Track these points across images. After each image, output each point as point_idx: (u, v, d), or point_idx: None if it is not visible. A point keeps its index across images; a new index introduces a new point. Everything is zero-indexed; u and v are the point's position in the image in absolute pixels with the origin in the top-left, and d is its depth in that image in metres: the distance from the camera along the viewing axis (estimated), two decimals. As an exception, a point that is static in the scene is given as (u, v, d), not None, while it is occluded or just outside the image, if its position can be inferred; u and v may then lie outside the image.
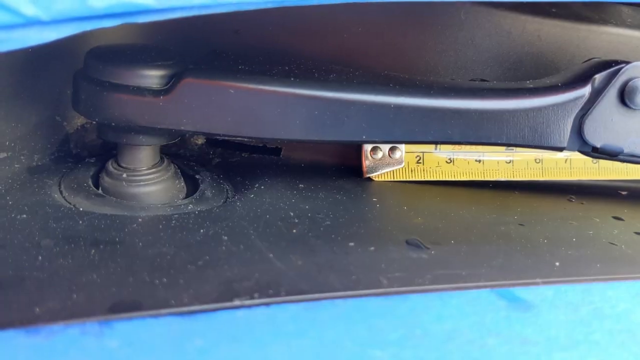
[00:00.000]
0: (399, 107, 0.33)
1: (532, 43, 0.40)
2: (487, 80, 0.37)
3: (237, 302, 0.23)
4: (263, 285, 0.25)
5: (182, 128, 0.33)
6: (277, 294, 0.24)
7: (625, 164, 0.40)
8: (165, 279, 0.25)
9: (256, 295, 0.24)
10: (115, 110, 0.33)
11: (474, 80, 0.37)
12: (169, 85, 0.33)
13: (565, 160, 0.42)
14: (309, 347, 0.21)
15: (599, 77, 0.33)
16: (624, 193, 0.43)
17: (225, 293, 0.24)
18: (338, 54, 0.40)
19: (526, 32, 0.40)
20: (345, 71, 0.35)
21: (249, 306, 0.23)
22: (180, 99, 0.32)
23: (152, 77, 0.33)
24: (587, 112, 0.33)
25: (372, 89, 0.33)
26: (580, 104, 0.33)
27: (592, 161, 0.42)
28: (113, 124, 0.33)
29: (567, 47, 0.41)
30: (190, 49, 0.37)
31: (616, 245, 0.33)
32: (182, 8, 0.24)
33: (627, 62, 0.33)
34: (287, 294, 0.24)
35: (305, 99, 0.33)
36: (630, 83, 0.33)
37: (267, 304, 0.23)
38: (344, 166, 0.43)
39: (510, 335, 0.23)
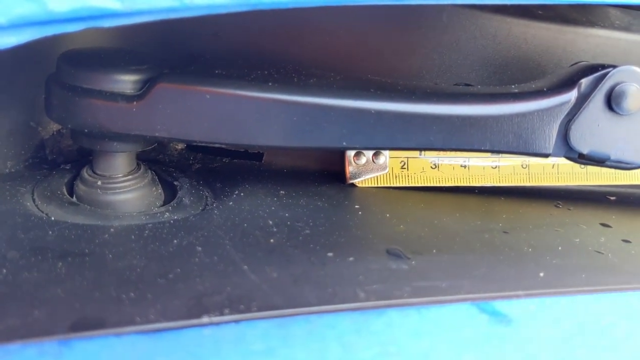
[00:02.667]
0: (379, 113, 0.32)
1: (518, 46, 0.39)
2: (471, 85, 0.36)
3: (205, 319, 0.22)
4: (234, 300, 0.24)
5: (157, 134, 0.32)
6: (248, 309, 0.23)
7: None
8: (132, 294, 0.24)
9: (226, 311, 0.23)
10: (87, 116, 0.32)
11: (458, 85, 0.36)
12: (142, 90, 0.32)
13: (553, 166, 0.42)
14: (278, 367, 0.20)
15: (585, 82, 0.32)
16: (612, 199, 0.43)
17: (194, 309, 0.23)
18: (320, 57, 0.39)
19: (512, 35, 0.39)
20: (326, 76, 0.34)
21: (217, 323, 0.22)
22: (154, 104, 0.32)
23: (126, 82, 0.32)
24: (573, 118, 0.32)
25: (352, 94, 0.32)
26: (566, 109, 0.32)
27: (580, 166, 0.42)
28: (86, 130, 0.32)
29: (553, 50, 0.40)
30: (168, 52, 0.36)
31: (602, 253, 0.32)
32: (148, 12, 0.23)
33: (614, 66, 0.32)
34: (259, 309, 0.23)
35: (284, 105, 0.32)
36: (617, 88, 0.32)
37: (236, 321, 0.22)
38: (327, 172, 0.42)
39: (488, 352, 0.22)
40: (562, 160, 0.41)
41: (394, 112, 0.32)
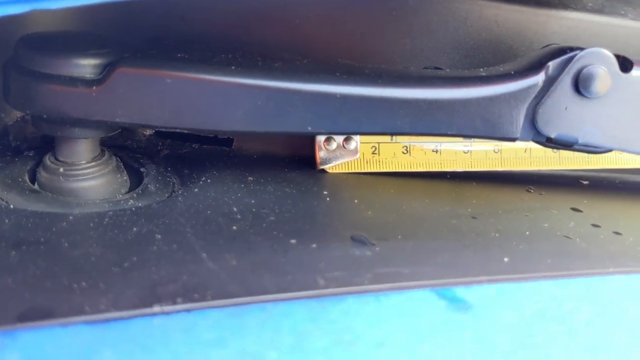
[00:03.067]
0: (344, 97, 0.31)
1: (490, 29, 0.39)
2: (441, 68, 0.36)
3: (156, 309, 0.21)
4: (189, 289, 0.23)
5: (117, 120, 0.31)
6: (202, 298, 0.23)
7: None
8: (84, 283, 0.23)
9: (179, 300, 0.22)
10: (46, 101, 0.31)
11: (428, 68, 0.36)
12: (102, 75, 0.31)
13: (525, 150, 0.41)
14: (227, 358, 0.20)
15: (552, 64, 0.32)
16: (585, 183, 0.42)
17: (147, 298, 0.22)
18: (289, 41, 0.38)
19: (483, 17, 0.39)
20: (293, 59, 0.34)
21: (168, 313, 0.21)
22: (114, 89, 0.31)
23: (85, 66, 0.31)
24: (540, 101, 0.32)
25: (317, 78, 0.31)
26: (534, 92, 0.32)
27: (553, 151, 0.41)
28: (45, 116, 0.32)
29: (525, 33, 0.39)
30: (132, 36, 0.35)
31: (571, 238, 0.32)
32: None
33: (582, 49, 0.32)
34: (214, 298, 0.23)
35: (247, 89, 0.31)
36: (584, 70, 0.31)
37: (188, 310, 0.21)
38: (298, 157, 0.41)
39: (445, 340, 0.22)
40: (535, 145, 0.41)
41: (359, 96, 0.31)
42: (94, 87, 0.31)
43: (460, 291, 0.24)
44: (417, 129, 0.32)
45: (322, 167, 0.40)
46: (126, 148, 0.40)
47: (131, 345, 0.20)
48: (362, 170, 0.40)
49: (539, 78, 0.32)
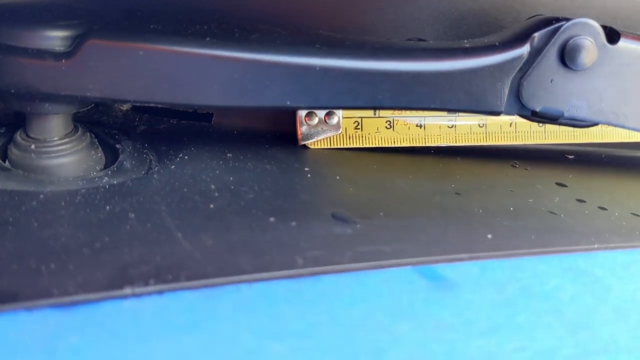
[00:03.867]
0: (324, 70, 0.30)
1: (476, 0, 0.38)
2: (424, 40, 0.35)
3: (127, 291, 0.21)
4: (162, 270, 0.22)
5: (88, 94, 0.30)
6: (176, 280, 0.22)
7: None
8: (53, 265, 0.22)
9: (151, 281, 0.21)
10: (13, 75, 0.30)
11: (411, 40, 0.35)
12: (72, 47, 0.30)
13: (510, 124, 0.41)
14: (199, 342, 0.19)
15: (538, 36, 0.31)
16: (570, 157, 0.42)
17: (117, 280, 0.22)
18: (266, 11, 0.37)
19: (468, -13, 0.37)
20: (271, 31, 0.32)
21: (139, 295, 0.20)
22: (85, 62, 0.30)
23: (54, 38, 0.30)
24: (525, 74, 0.31)
25: (296, 50, 0.30)
26: (518, 64, 0.31)
27: (538, 125, 0.41)
28: (12, 91, 0.30)
29: (511, 4, 0.38)
30: (104, 7, 0.34)
31: (556, 214, 0.31)
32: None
33: (568, 19, 0.31)
34: (188, 279, 0.22)
35: (223, 61, 0.30)
36: (570, 42, 0.30)
37: (159, 292, 0.21)
38: (279, 133, 0.40)
39: (425, 319, 0.21)
40: (520, 119, 0.40)
41: (339, 68, 0.30)
42: (63, 60, 0.30)
43: (442, 269, 0.24)
44: (399, 103, 0.31)
45: (303, 142, 0.39)
46: (101, 124, 0.39)
47: (99, 330, 0.19)
48: (345, 146, 0.39)
49: (524, 50, 0.31)
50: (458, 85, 0.30)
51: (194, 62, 0.30)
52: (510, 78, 0.31)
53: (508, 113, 0.32)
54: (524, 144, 0.41)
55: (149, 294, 0.20)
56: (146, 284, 0.21)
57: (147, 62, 0.30)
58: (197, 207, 0.29)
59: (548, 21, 0.31)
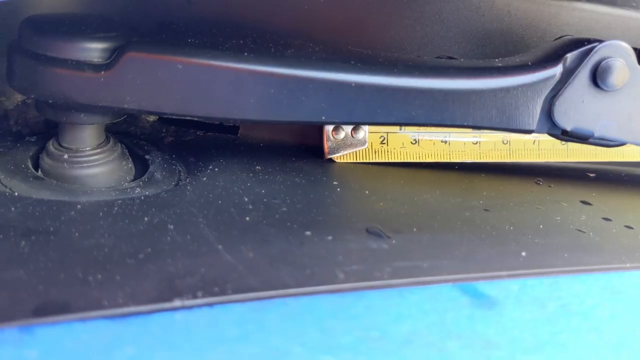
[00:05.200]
0: (360, 86, 0.30)
1: (502, 19, 0.38)
2: (454, 58, 0.35)
3: (177, 303, 0.21)
4: (208, 282, 0.23)
5: (125, 106, 0.30)
6: (223, 292, 0.22)
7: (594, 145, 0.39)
8: (99, 276, 0.23)
9: (199, 294, 0.22)
10: (52, 86, 0.30)
11: (441, 58, 0.35)
12: (111, 59, 0.30)
13: (534, 142, 0.41)
14: (253, 354, 0.19)
15: (570, 57, 0.31)
16: (592, 175, 0.42)
17: (166, 291, 0.22)
18: (298, 27, 0.37)
19: (495, 7, 0.38)
20: (305, 46, 0.33)
21: (190, 307, 0.20)
22: (123, 74, 0.30)
23: (93, 50, 0.30)
24: (557, 93, 0.31)
25: (332, 66, 0.31)
26: (551, 84, 0.31)
27: (561, 143, 0.41)
28: (50, 101, 0.31)
29: (537, 24, 0.39)
30: (138, 20, 0.34)
31: (584, 232, 0.32)
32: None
33: (600, 41, 0.31)
34: (234, 292, 0.22)
35: (260, 76, 0.30)
36: (602, 63, 0.31)
37: (209, 305, 0.21)
38: (305, 146, 0.41)
39: (471, 337, 0.21)
40: (543, 137, 0.41)
41: (375, 85, 0.30)
42: (102, 72, 0.30)
43: (482, 286, 0.24)
44: (432, 120, 0.31)
45: (329, 156, 0.39)
46: (129, 134, 0.40)
47: (153, 341, 0.19)
48: (370, 160, 0.39)
49: (557, 70, 0.31)
50: (491, 104, 0.31)
51: (231, 76, 0.30)
52: (543, 97, 0.31)
53: (539, 132, 0.32)
54: (546, 162, 0.42)
55: (200, 306, 0.21)
56: (194, 296, 0.22)
57: (185, 75, 0.30)
58: (234, 219, 0.29)
59: (580, 42, 0.32)
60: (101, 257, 0.24)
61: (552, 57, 0.32)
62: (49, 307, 0.21)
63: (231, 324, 0.20)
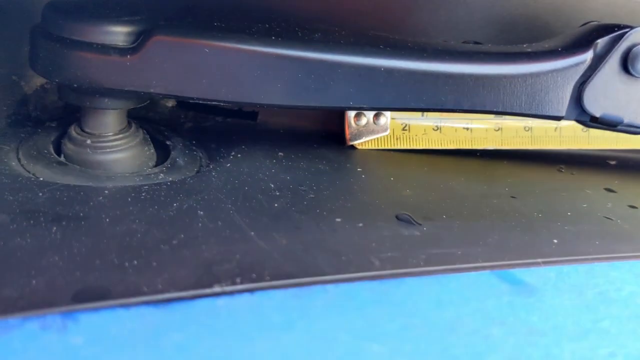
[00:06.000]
0: (389, 71, 0.30)
1: (527, 4, 0.38)
2: (480, 43, 0.35)
3: (217, 289, 0.21)
4: (245, 268, 0.22)
5: (152, 90, 0.30)
6: (260, 278, 0.22)
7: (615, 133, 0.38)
8: (136, 261, 0.22)
9: (238, 280, 0.21)
10: (77, 70, 0.30)
11: (468, 43, 0.35)
12: (137, 43, 0.30)
13: (555, 129, 0.41)
14: (300, 340, 0.19)
15: (601, 42, 0.31)
16: (612, 163, 0.42)
17: (204, 277, 0.21)
18: (321, 11, 0.37)
19: (521, -8, 0.38)
20: (331, 31, 0.32)
21: (231, 293, 0.20)
22: (150, 58, 0.29)
23: (119, 33, 0.30)
24: (587, 80, 0.31)
25: (361, 51, 0.30)
26: (581, 70, 0.31)
27: (582, 130, 0.41)
28: (75, 85, 0.30)
29: (562, 10, 0.38)
30: (161, 3, 0.34)
31: (612, 220, 0.32)
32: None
33: (631, 27, 0.31)
34: (272, 278, 0.22)
35: (288, 60, 0.30)
36: (634, 49, 0.31)
37: (250, 291, 0.21)
38: (325, 132, 0.41)
39: (515, 324, 0.21)
40: (565, 124, 0.40)
41: (404, 70, 0.30)
42: (128, 56, 0.30)
43: (520, 273, 0.24)
44: (461, 106, 0.31)
45: (351, 143, 0.39)
46: (149, 120, 0.39)
47: (198, 328, 0.19)
48: (392, 147, 0.39)
49: (587, 56, 0.31)
50: (521, 89, 0.31)
51: (259, 60, 0.30)
52: (572, 83, 0.31)
53: (568, 118, 0.32)
54: (567, 149, 0.42)
55: (240, 292, 0.20)
56: (233, 282, 0.21)
57: (213, 59, 0.30)
58: (262, 205, 0.29)
59: (610, 28, 0.31)
60: (135, 243, 0.24)
61: (582, 43, 0.31)
62: (88, 293, 0.20)
63: (274, 311, 0.20)
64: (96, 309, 0.19)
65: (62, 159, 0.33)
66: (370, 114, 0.38)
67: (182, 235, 0.25)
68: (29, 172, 0.31)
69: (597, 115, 0.32)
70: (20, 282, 0.20)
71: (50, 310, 0.19)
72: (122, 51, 0.30)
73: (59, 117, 0.37)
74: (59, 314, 0.18)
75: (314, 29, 0.32)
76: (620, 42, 0.31)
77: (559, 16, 0.38)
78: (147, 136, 0.35)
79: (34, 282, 0.21)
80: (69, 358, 0.17)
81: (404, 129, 0.39)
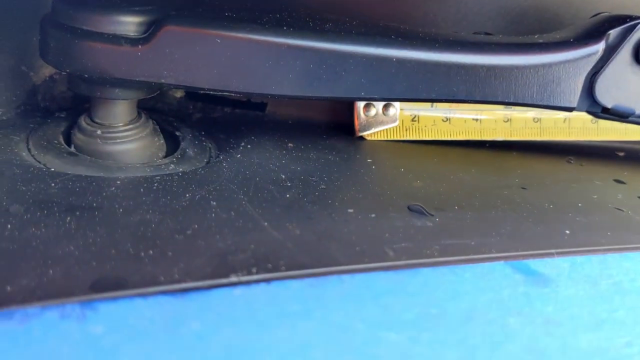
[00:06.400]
0: (401, 61, 0.30)
1: (537, -5, 0.38)
2: (490, 34, 0.35)
3: (233, 279, 0.21)
4: (260, 258, 0.22)
5: (163, 81, 0.30)
6: (276, 268, 0.22)
7: (624, 124, 0.38)
8: (151, 251, 0.22)
9: (254, 270, 0.21)
10: (88, 60, 0.30)
11: (478, 34, 0.35)
12: (148, 33, 0.30)
13: (564, 120, 0.41)
14: (317, 329, 0.19)
15: (613, 33, 0.31)
16: (621, 154, 0.42)
17: (220, 267, 0.22)
18: (331, 2, 0.37)
19: (531, -18, 0.37)
20: (342, 21, 0.32)
21: (247, 283, 0.20)
22: (161, 48, 0.29)
23: (130, 23, 0.30)
24: (599, 71, 0.31)
25: (373, 41, 0.30)
26: (593, 61, 0.31)
27: (592, 121, 0.41)
28: (86, 75, 0.30)
29: (572, 1, 0.38)
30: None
31: (623, 211, 0.32)
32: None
33: (643, 17, 0.31)
34: (287, 268, 0.22)
35: (300, 51, 0.30)
36: (646, 40, 0.30)
37: (267, 280, 0.21)
38: (334, 123, 0.40)
39: (531, 314, 0.21)
40: (574, 115, 0.40)
41: (416, 60, 0.30)
42: (140, 46, 0.29)
43: (534, 264, 0.24)
44: (473, 96, 0.31)
45: (360, 134, 0.39)
46: (157, 110, 0.39)
47: (216, 317, 0.19)
48: (401, 138, 0.39)
49: (599, 46, 0.31)
50: (533, 80, 0.31)
51: (271, 51, 0.30)
52: (584, 74, 0.31)
53: (579, 109, 0.32)
54: (575, 140, 0.42)
55: (257, 282, 0.20)
56: (249, 272, 0.21)
57: (224, 50, 0.29)
58: (274, 196, 0.29)
59: (622, 19, 0.31)
60: (149, 233, 0.24)
61: (594, 34, 0.31)
62: (106, 282, 0.20)
63: (291, 300, 0.20)
64: (114, 299, 0.19)
65: (72, 149, 0.33)
66: (380, 105, 0.38)
67: (196, 226, 0.25)
68: (39, 162, 0.31)
69: (609, 106, 0.32)
70: (37, 271, 0.20)
71: (69, 300, 0.19)
72: (133, 41, 0.30)
73: (67, 107, 0.37)
74: (77, 303, 0.19)
75: (325, 19, 0.32)
76: (633, 33, 0.31)
77: (568, 7, 0.38)
78: (157, 127, 0.35)
79: (50, 271, 0.21)
80: (90, 346, 0.17)
81: (413, 120, 0.39)
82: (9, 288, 0.19)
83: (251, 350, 0.18)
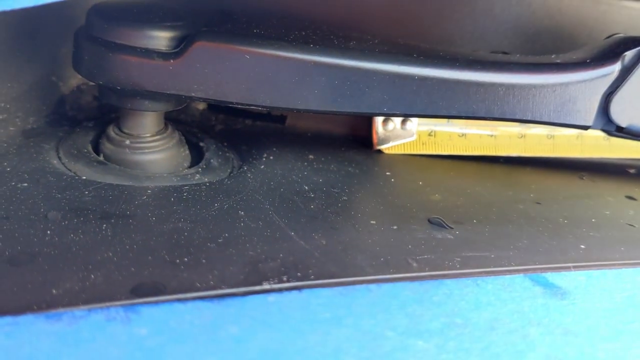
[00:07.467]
0: (423, 79, 0.31)
1: (552, 16, 0.39)
2: (507, 53, 0.36)
3: (266, 286, 0.22)
4: (290, 267, 0.23)
5: (193, 94, 0.31)
6: (305, 277, 0.23)
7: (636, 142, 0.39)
8: (186, 258, 0.23)
9: (285, 278, 0.22)
10: (121, 73, 0.31)
11: (495, 53, 0.36)
12: (179, 48, 0.31)
13: (577, 137, 0.42)
14: (348, 336, 0.20)
15: (629, 55, 0.32)
16: (632, 171, 0.43)
17: (252, 275, 0.23)
18: (351, 20, 0.38)
19: (547, 4, 0.39)
20: (364, 39, 0.33)
21: (280, 290, 0.21)
22: (192, 63, 0.30)
23: (162, 38, 0.31)
24: (614, 90, 0.32)
25: (395, 59, 0.31)
26: (609, 81, 0.32)
27: (604, 138, 0.42)
28: (118, 87, 0.31)
29: (586, 22, 0.39)
30: (196, 8, 0.35)
31: (635, 226, 0.32)
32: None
33: (658, 40, 0.32)
34: (316, 277, 0.23)
35: (325, 67, 0.31)
36: (660, 62, 0.31)
37: (298, 288, 0.22)
38: (352, 136, 0.42)
39: (550, 324, 0.22)
40: (587, 132, 0.41)
41: (437, 78, 0.31)
42: (171, 60, 0.31)
43: (551, 277, 0.25)
44: (492, 114, 0.32)
45: (378, 147, 0.40)
46: (181, 122, 0.40)
47: (252, 322, 0.20)
48: (418, 152, 0.40)
49: (615, 67, 0.32)
50: (550, 99, 0.32)
51: (298, 67, 0.31)
52: (600, 94, 0.32)
53: (594, 128, 0.33)
54: (587, 157, 0.43)
55: (289, 290, 0.21)
56: (280, 280, 0.22)
57: (253, 65, 0.31)
58: (299, 206, 0.30)
59: (637, 41, 0.32)
60: (182, 240, 0.25)
61: (609, 55, 0.32)
62: (145, 287, 0.21)
63: (323, 308, 0.21)
64: (156, 303, 0.20)
65: (101, 158, 0.34)
66: (398, 120, 0.39)
67: (227, 234, 0.26)
68: (70, 170, 0.32)
69: (624, 125, 0.32)
70: (79, 275, 0.21)
71: (113, 304, 0.20)
72: (165, 55, 0.31)
73: (93, 116, 0.38)
74: (121, 307, 0.19)
75: (349, 37, 0.33)
76: (648, 54, 0.32)
77: (583, 28, 0.39)
78: (183, 138, 0.36)
79: (92, 276, 0.22)
80: (136, 347, 0.18)
81: (429, 135, 0.40)
82: (54, 291, 0.20)
83: (286, 354, 0.19)
